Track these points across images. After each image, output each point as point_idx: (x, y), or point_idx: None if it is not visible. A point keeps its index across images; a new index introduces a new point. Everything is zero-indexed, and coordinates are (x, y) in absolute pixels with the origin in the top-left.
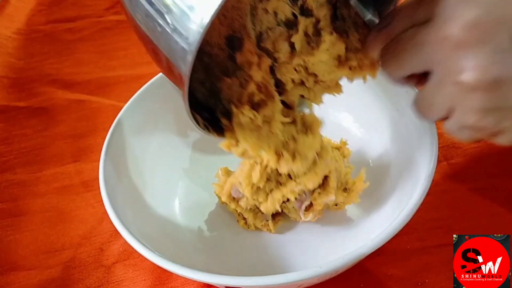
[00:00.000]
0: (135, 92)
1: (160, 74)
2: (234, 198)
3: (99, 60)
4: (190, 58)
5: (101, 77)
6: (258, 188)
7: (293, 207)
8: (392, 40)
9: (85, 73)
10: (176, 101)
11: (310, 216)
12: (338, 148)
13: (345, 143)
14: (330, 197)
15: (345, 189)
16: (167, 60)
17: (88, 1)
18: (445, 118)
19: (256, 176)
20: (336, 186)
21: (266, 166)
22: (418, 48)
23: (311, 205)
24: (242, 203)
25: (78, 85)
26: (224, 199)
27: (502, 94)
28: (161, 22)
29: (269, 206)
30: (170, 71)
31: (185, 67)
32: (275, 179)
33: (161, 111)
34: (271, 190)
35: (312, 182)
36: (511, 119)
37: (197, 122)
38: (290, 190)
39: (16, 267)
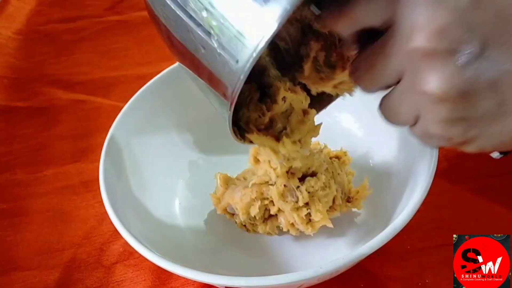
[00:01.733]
0: (135, 92)
1: (160, 74)
2: (229, 212)
3: (99, 60)
4: (240, 81)
5: (101, 77)
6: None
7: None
8: (359, 55)
9: (85, 73)
10: (176, 101)
11: (313, 231)
12: (337, 157)
13: (345, 153)
14: (335, 214)
15: (348, 198)
16: (211, 77)
17: (88, 1)
18: (412, 125)
19: (254, 211)
20: (341, 200)
21: (267, 205)
22: (387, 60)
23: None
24: (237, 219)
25: (78, 85)
26: (219, 212)
27: (469, 105)
28: (209, 42)
29: (267, 229)
30: (214, 85)
31: (234, 90)
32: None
33: (161, 111)
34: (270, 216)
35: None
36: (478, 128)
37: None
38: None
39: (16, 267)
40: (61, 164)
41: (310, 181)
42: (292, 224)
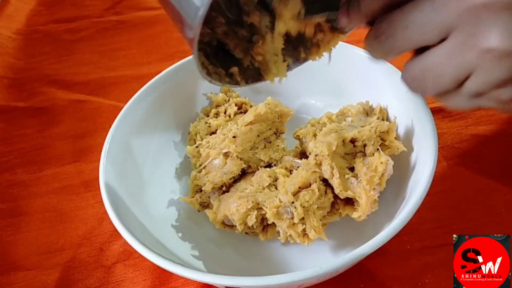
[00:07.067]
0: (135, 92)
1: (160, 74)
2: (228, 225)
3: (99, 60)
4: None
5: (101, 77)
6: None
7: None
8: (392, 14)
9: (85, 73)
10: (175, 101)
11: (310, 242)
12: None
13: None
14: (335, 219)
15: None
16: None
17: (88, 1)
18: (446, 92)
19: (251, 220)
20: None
21: (263, 214)
22: (435, 16)
23: None
24: (237, 230)
25: (78, 85)
26: (218, 227)
27: None
28: None
29: (268, 237)
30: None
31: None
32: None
33: (161, 111)
34: (268, 223)
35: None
36: None
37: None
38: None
39: (16, 267)
40: (61, 164)
41: (305, 196)
42: (290, 235)
